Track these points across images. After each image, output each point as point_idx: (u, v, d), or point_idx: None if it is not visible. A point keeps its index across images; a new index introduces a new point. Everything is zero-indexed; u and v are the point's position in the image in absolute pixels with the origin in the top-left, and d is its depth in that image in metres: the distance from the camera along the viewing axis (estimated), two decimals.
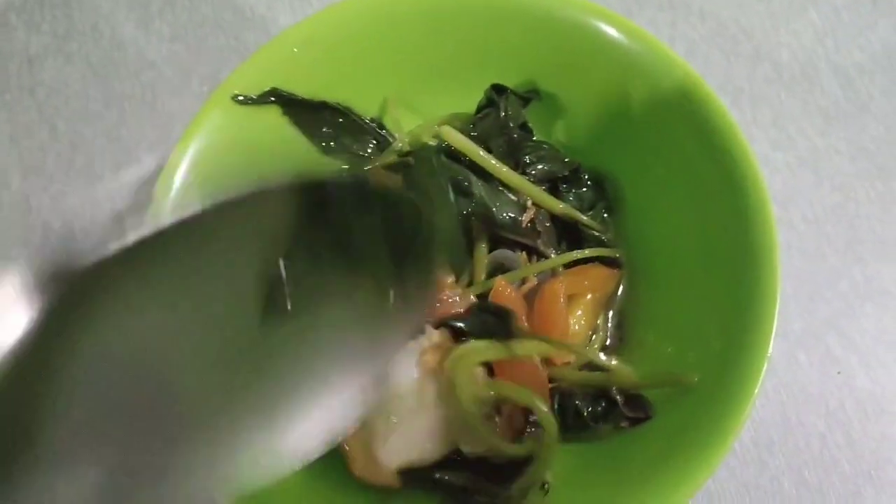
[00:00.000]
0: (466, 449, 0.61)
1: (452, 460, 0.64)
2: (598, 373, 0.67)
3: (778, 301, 0.60)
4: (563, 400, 0.66)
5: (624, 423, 0.65)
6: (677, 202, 0.70)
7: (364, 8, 0.72)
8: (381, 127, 0.77)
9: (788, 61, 0.87)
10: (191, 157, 0.67)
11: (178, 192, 0.66)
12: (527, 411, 0.64)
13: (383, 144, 0.77)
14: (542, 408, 0.61)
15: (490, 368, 0.64)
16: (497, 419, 0.63)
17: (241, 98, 0.69)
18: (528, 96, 0.74)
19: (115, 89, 0.88)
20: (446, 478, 0.64)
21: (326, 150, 0.76)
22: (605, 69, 0.71)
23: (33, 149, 0.86)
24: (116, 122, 0.87)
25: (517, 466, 0.62)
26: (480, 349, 0.63)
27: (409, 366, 0.63)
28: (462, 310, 0.66)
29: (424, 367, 0.62)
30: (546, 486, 0.63)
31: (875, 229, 0.80)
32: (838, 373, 0.76)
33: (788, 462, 0.73)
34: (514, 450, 0.62)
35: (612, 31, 0.70)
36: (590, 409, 0.66)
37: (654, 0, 0.90)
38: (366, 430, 0.62)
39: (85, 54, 0.90)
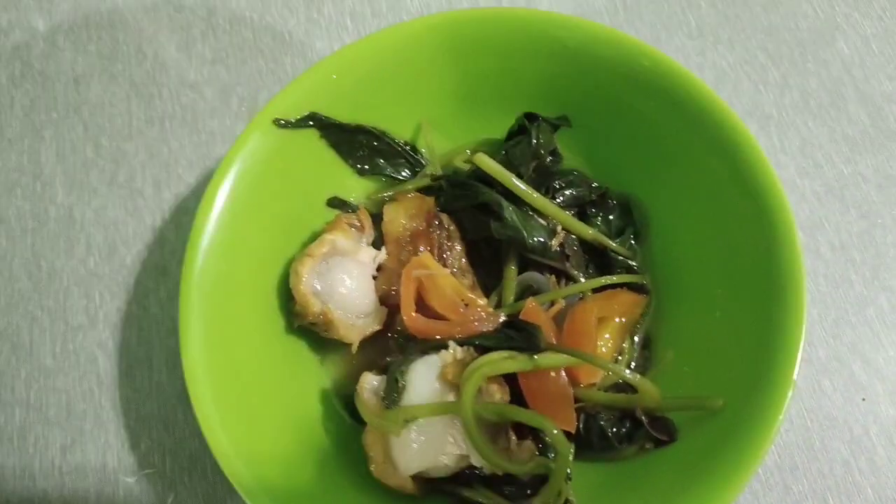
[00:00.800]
0: (476, 462, 0.63)
1: (470, 475, 0.66)
2: (623, 394, 0.69)
3: (804, 328, 0.60)
4: (587, 420, 0.67)
5: (648, 445, 0.66)
6: (703, 228, 0.71)
7: (400, 36, 0.74)
8: (415, 150, 0.79)
9: (816, 89, 0.88)
10: (232, 178, 0.70)
11: (219, 211, 0.69)
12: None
13: (417, 168, 0.79)
14: (552, 429, 0.62)
15: (516, 389, 0.66)
16: (513, 436, 0.64)
17: (282, 122, 0.72)
18: (559, 123, 0.76)
19: (156, 108, 0.91)
20: (463, 492, 0.66)
21: (361, 173, 0.79)
22: (635, 98, 0.73)
23: (78, 164, 0.89)
24: (158, 140, 0.90)
25: (535, 485, 0.64)
26: (494, 361, 0.64)
27: (431, 378, 0.65)
28: (490, 329, 0.68)
29: (444, 379, 0.64)
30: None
31: None
32: (863, 399, 0.76)
33: (812, 487, 0.74)
34: (516, 468, 0.63)
35: (643, 62, 0.71)
36: (614, 429, 0.67)
37: (684, 28, 0.92)
38: (386, 435, 0.65)
39: (129, 75, 0.93)
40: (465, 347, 0.67)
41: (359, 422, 0.68)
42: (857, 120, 0.87)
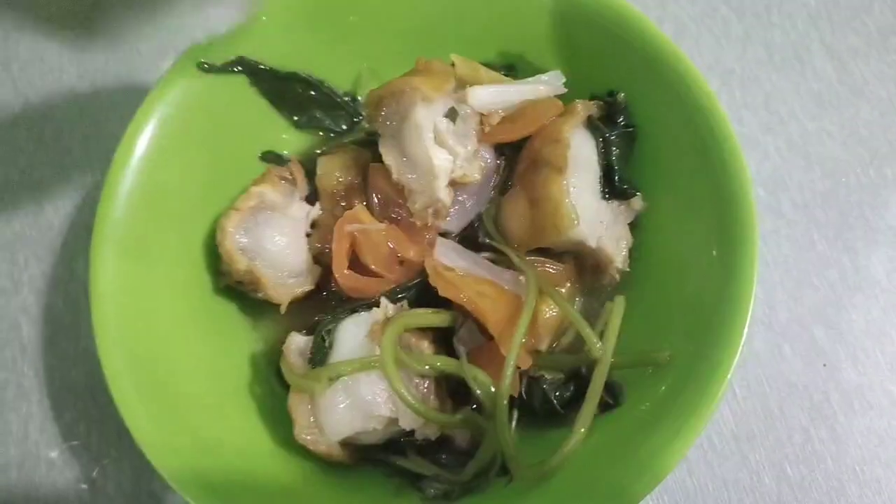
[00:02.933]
0: (405, 425, 0.59)
1: (404, 443, 0.62)
2: (570, 355, 0.65)
3: (755, 277, 0.57)
4: (530, 385, 0.63)
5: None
6: (658, 180, 0.67)
7: None
8: (355, 100, 0.75)
9: (781, 43, 0.84)
10: (153, 124, 0.65)
11: (138, 159, 0.64)
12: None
13: (357, 119, 0.74)
14: (487, 385, 0.58)
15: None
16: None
17: (206, 66, 0.67)
18: (504, 72, 0.72)
19: (88, 63, 0.86)
20: (397, 461, 0.62)
21: (297, 125, 0.74)
22: (585, 42, 0.69)
23: (5, 121, 0.84)
24: (89, 96, 0.85)
25: (471, 453, 0.60)
26: (418, 314, 0.61)
27: (360, 336, 0.60)
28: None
29: (374, 337, 0.59)
30: (509, 477, 0.60)
31: (867, 217, 0.77)
32: (824, 365, 0.73)
33: (770, 457, 0.70)
34: (442, 419, 0.59)
35: (588, 2, 0.67)
36: (557, 393, 0.63)
37: None
38: (312, 397, 0.61)
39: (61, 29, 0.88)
40: (399, 304, 0.63)
41: (287, 387, 0.63)
42: (823, 75, 0.83)
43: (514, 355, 0.59)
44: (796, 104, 0.82)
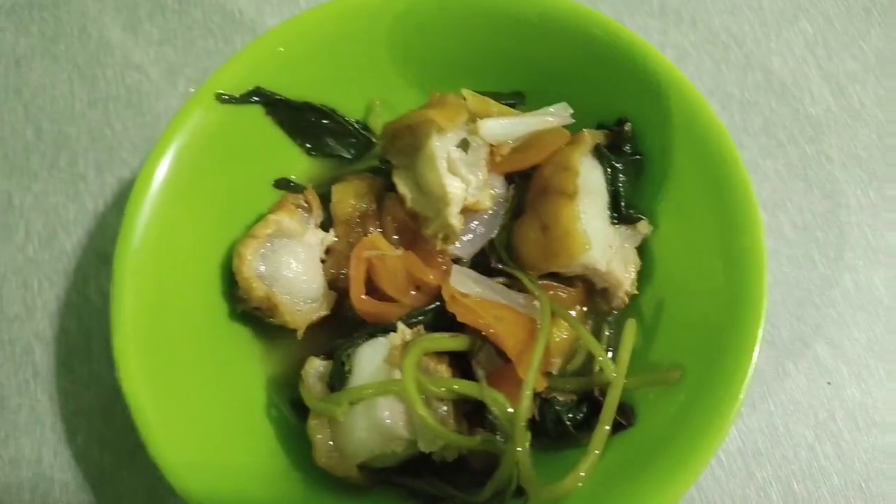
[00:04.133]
0: (424, 448, 0.60)
1: (422, 465, 0.63)
2: (583, 377, 0.66)
3: (765, 303, 0.59)
4: (542, 406, 0.64)
5: None
6: (663, 205, 0.69)
7: (351, 8, 0.72)
8: (367, 129, 0.76)
9: (779, 69, 0.87)
10: (171, 154, 0.66)
11: (157, 189, 0.66)
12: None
13: (368, 148, 0.76)
14: (505, 406, 0.60)
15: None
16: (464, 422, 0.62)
17: (224, 97, 0.68)
18: (514, 100, 0.74)
19: (100, 90, 0.88)
20: (413, 483, 0.63)
21: (309, 152, 0.75)
22: (593, 72, 0.71)
23: (18, 148, 0.85)
24: (101, 123, 0.86)
25: (487, 475, 0.61)
26: (436, 338, 0.62)
27: (378, 360, 0.62)
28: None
29: (392, 362, 0.61)
30: (524, 498, 0.61)
31: (867, 237, 0.79)
32: (828, 383, 0.74)
33: (776, 473, 0.72)
34: (462, 441, 0.60)
35: (599, 34, 0.69)
36: (570, 415, 0.64)
37: (646, 7, 0.90)
38: (330, 420, 0.62)
39: (72, 56, 0.89)
40: (415, 329, 0.64)
41: (303, 412, 0.64)
42: (821, 99, 0.85)
43: (532, 378, 0.60)
44: (795, 128, 0.84)
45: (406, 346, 0.61)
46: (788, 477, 0.71)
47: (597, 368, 0.66)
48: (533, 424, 0.63)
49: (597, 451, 0.60)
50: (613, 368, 0.62)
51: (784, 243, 0.79)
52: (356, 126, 0.76)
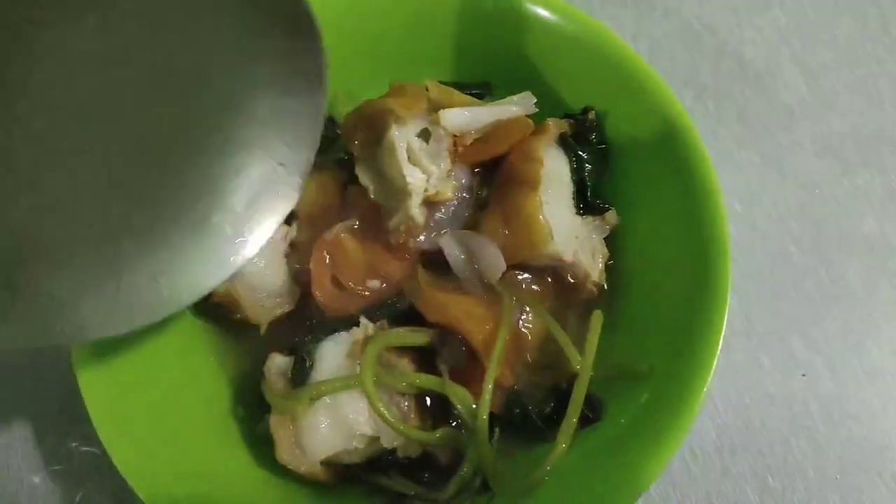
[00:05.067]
0: (387, 444, 0.59)
1: (387, 461, 0.62)
2: (550, 370, 0.65)
3: (729, 288, 0.58)
4: (510, 400, 0.63)
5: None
6: (631, 195, 0.68)
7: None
8: (331, 121, 0.75)
9: (753, 58, 0.85)
10: None
11: None
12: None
13: (331, 140, 0.75)
14: (468, 401, 0.59)
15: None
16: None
17: None
18: (480, 90, 0.73)
19: None
20: (379, 480, 0.62)
21: None
22: (560, 62, 0.70)
23: None
24: None
25: (453, 471, 0.60)
26: (399, 333, 0.62)
27: (340, 355, 0.61)
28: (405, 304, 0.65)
29: (354, 357, 0.60)
30: (491, 494, 0.60)
31: (841, 227, 0.78)
32: (803, 375, 0.73)
33: (752, 468, 0.70)
34: (423, 436, 0.59)
35: (557, 20, 0.68)
36: (538, 409, 0.63)
37: None
38: (293, 417, 0.61)
39: None
40: (379, 323, 0.63)
41: (267, 408, 0.63)
42: (795, 88, 0.84)
43: (493, 371, 0.59)
44: (769, 117, 0.83)
45: (367, 340, 0.60)
46: (764, 472, 0.70)
47: (565, 361, 0.64)
48: (500, 419, 0.62)
49: (563, 445, 0.60)
50: (580, 360, 0.61)
51: (759, 235, 0.78)
52: None
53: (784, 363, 0.73)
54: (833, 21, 0.87)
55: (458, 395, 0.59)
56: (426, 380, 0.60)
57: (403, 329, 0.62)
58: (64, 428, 0.73)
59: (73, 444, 0.73)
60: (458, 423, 0.61)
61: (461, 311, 0.61)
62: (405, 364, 0.60)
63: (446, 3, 0.71)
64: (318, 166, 0.72)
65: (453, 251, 0.65)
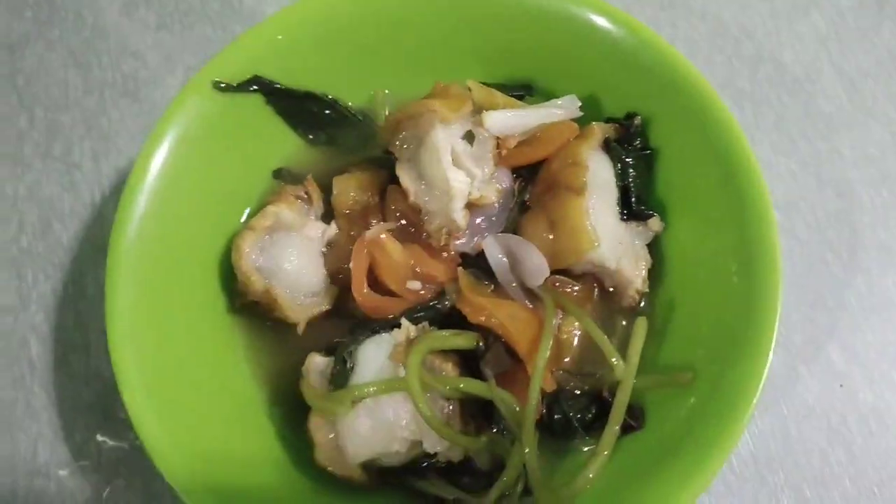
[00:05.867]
0: (429, 448, 0.58)
1: (426, 465, 0.61)
2: (592, 376, 0.64)
3: (780, 303, 0.57)
4: (550, 405, 0.62)
5: None
6: (676, 204, 0.67)
7: None
8: (369, 119, 0.74)
9: (791, 63, 0.85)
10: (168, 144, 0.64)
11: (153, 180, 0.64)
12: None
13: (370, 138, 0.74)
14: (512, 404, 0.58)
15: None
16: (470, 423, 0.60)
17: (222, 85, 0.66)
18: (522, 92, 0.72)
19: (95, 77, 0.85)
20: (418, 484, 0.61)
21: (311, 142, 0.73)
22: (597, 61, 0.69)
23: (11, 137, 0.83)
24: (96, 111, 0.84)
25: (493, 476, 0.59)
26: (442, 336, 0.61)
27: (381, 358, 0.60)
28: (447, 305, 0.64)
29: (396, 360, 0.59)
30: (531, 500, 0.59)
31: (880, 237, 0.77)
32: (840, 386, 0.72)
33: (788, 478, 0.70)
34: (468, 442, 0.59)
35: (603, 23, 0.67)
36: (579, 416, 0.62)
37: (655, 0, 0.88)
38: (333, 419, 0.60)
39: (66, 41, 0.87)
40: (420, 325, 0.62)
41: (305, 409, 0.62)
42: (833, 95, 0.83)
43: (539, 377, 0.58)
44: (807, 124, 0.82)
45: (411, 343, 0.59)
46: (800, 482, 0.70)
47: (607, 368, 0.64)
48: (541, 424, 0.62)
49: (606, 453, 0.59)
50: (623, 368, 0.60)
51: (797, 243, 0.77)
52: (359, 116, 0.74)
53: (822, 373, 0.73)
54: (873, 27, 0.86)
55: (505, 401, 0.58)
56: (472, 385, 0.59)
57: (448, 332, 0.62)
58: (93, 423, 0.72)
59: (102, 440, 0.72)
60: (500, 427, 0.60)
61: (505, 315, 0.61)
62: (449, 368, 0.60)
63: (489, 4, 0.70)
64: (355, 164, 0.72)
65: (496, 254, 0.64)
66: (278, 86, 0.69)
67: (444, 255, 0.66)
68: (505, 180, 0.67)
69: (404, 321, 0.62)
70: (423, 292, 0.65)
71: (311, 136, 0.73)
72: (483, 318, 0.61)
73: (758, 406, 0.70)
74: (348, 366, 0.61)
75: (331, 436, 0.60)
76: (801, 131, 0.82)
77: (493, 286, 0.65)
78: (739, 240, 0.61)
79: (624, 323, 0.67)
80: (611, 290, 0.67)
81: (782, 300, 0.72)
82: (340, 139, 0.74)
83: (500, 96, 0.67)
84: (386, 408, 0.58)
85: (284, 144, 0.72)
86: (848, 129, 0.82)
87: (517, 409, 0.58)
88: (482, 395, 0.59)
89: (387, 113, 0.72)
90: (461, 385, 0.59)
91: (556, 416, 0.62)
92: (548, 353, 0.59)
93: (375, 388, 0.58)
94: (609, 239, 0.63)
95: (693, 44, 0.86)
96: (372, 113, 0.74)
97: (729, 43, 0.86)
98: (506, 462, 0.59)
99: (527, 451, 0.57)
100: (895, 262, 0.76)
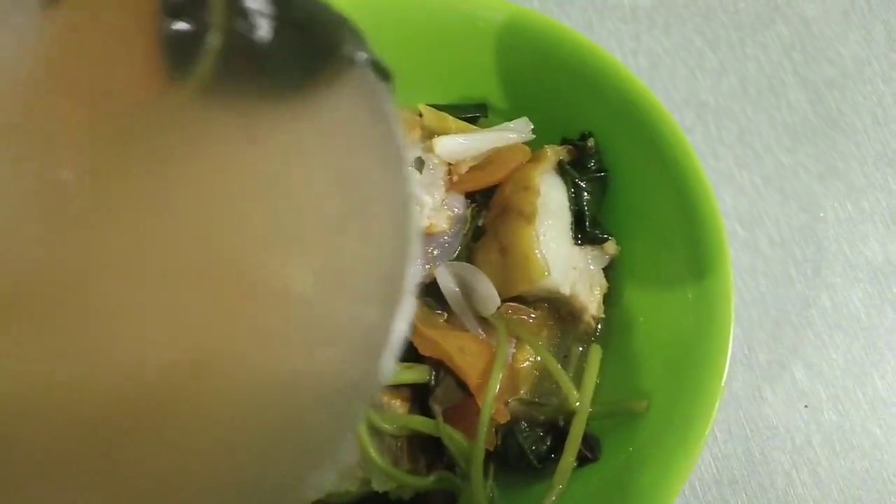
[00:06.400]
0: (376, 486, 0.57)
1: (377, 501, 0.60)
2: (547, 406, 0.63)
3: (732, 319, 0.56)
4: (505, 437, 0.61)
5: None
6: (629, 223, 0.66)
7: None
8: None
9: (755, 75, 0.83)
10: None
11: None
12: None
13: None
14: (453, 435, 0.57)
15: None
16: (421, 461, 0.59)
17: None
18: (476, 113, 0.70)
19: None
20: None
21: None
22: (550, 80, 0.67)
23: None
24: None
25: None
26: None
27: None
28: None
29: None
30: None
31: (845, 252, 0.76)
32: (805, 406, 0.71)
33: (752, 502, 0.69)
34: (413, 481, 0.57)
35: (555, 42, 0.66)
36: (534, 447, 0.61)
37: (618, 12, 0.86)
38: None
39: None
40: None
41: None
42: (798, 107, 0.82)
43: (488, 412, 0.57)
44: (771, 137, 0.80)
45: None
46: None
47: (563, 396, 0.63)
48: (495, 456, 0.61)
49: (560, 486, 0.58)
50: (577, 396, 0.59)
51: (761, 260, 0.76)
52: None
53: (786, 393, 0.72)
54: (839, 37, 0.85)
55: (453, 439, 0.57)
56: (420, 422, 0.58)
57: (398, 365, 0.60)
58: None
59: None
60: (451, 463, 0.59)
61: (454, 348, 0.59)
62: (398, 404, 0.58)
63: (438, 22, 0.69)
64: None
65: (448, 284, 0.63)
66: None
67: None
68: (457, 206, 0.65)
69: None
70: None
71: None
72: (432, 350, 0.60)
73: (720, 428, 0.70)
74: None
75: None
76: (765, 144, 0.80)
77: (446, 315, 0.64)
78: (691, 261, 0.60)
79: (581, 349, 0.65)
80: (566, 315, 0.66)
81: (745, 319, 0.71)
82: None
83: (451, 121, 0.66)
84: None
85: None
86: (812, 141, 0.80)
87: (466, 444, 0.57)
88: (429, 432, 0.58)
89: None
90: (410, 424, 0.58)
91: (510, 448, 0.61)
92: (498, 386, 0.58)
93: None
94: (561, 266, 0.61)
95: (655, 57, 0.84)
96: None
97: (692, 56, 0.84)
98: (457, 499, 0.58)
99: (476, 488, 0.56)
100: (860, 278, 0.75)
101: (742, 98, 0.82)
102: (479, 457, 0.56)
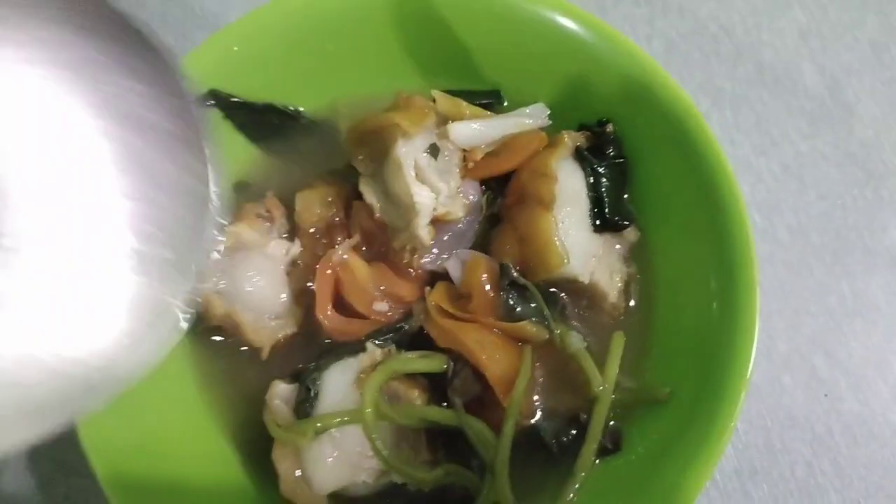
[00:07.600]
0: (397, 478, 0.56)
1: (396, 494, 0.59)
2: (569, 395, 0.62)
3: (758, 312, 0.55)
4: (527, 430, 0.60)
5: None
6: (650, 211, 0.65)
7: (312, 2, 0.67)
8: (334, 130, 0.71)
9: (771, 61, 0.82)
10: None
11: None
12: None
13: (334, 150, 0.71)
14: (477, 426, 0.56)
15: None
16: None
17: None
18: (490, 99, 0.69)
19: None
20: None
21: (272, 155, 0.71)
22: (567, 65, 0.66)
23: None
24: None
25: (469, 502, 0.57)
26: (405, 359, 0.58)
27: (346, 384, 0.57)
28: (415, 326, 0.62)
29: (360, 386, 0.56)
30: None
31: (864, 239, 0.75)
32: (825, 395, 0.70)
33: (773, 492, 0.68)
34: (423, 476, 0.56)
35: (572, 26, 0.64)
36: (555, 439, 0.60)
37: None
38: (297, 449, 0.58)
39: None
40: (387, 349, 0.60)
41: (271, 438, 0.60)
42: (815, 93, 0.81)
43: (515, 410, 0.56)
44: (789, 124, 0.79)
45: (373, 368, 0.57)
46: (786, 496, 0.68)
47: (585, 385, 0.62)
48: (514, 446, 0.60)
49: (583, 474, 0.57)
50: (600, 382, 0.58)
51: (779, 248, 0.75)
52: (322, 127, 0.71)
53: (806, 383, 0.71)
54: (856, 22, 0.83)
55: (476, 430, 0.56)
56: (439, 413, 0.57)
57: (413, 354, 0.59)
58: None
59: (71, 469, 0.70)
60: (472, 455, 0.58)
61: (472, 340, 0.58)
62: (415, 395, 0.57)
63: (455, 6, 0.68)
64: (319, 178, 0.70)
65: (458, 275, 0.62)
66: (236, 99, 0.66)
67: (412, 273, 0.63)
68: (473, 193, 0.64)
69: (369, 345, 0.59)
70: (390, 313, 0.63)
71: (272, 149, 0.70)
72: (450, 342, 0.58)
73: (741, 418, 0.69)
74: (312, 394, 0.58)
75: (296, 467, 0.58)
76: (782, 131, 0.79)
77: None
78: (715, 249, 0.59)
79: (602, 337, 0.64)
80: (587, 303, 0.64)
81: (764, 309, 0.70)
82: (303, 151, 0.71)
83: (465, 106, 0.64)
84: (351, 437, 0.56)
85: (245, 159, 0.70)
86: (830, 127, 0.79)
87: (490, 436, 0.56)
88: (450, 424, 0.57)
89: (348, 123, 0.69)
90: (428, 415, 0.57)
91: (532, 439, 0.60)
92: (524, 385, 0.57)
93: (338, 419, 0.56)
94: (580, 253, 0.60)
95: (670, 42, 0.83)
96: (335, 123, 0.71)
97: (707, 41, 0.83)
98: (476, 495, 0.56)
99: (500, 484, 0.55)
100: (879, 265, 0.74)
101: (758, 84, 0.81)
102: (505, 453, 0.55)
